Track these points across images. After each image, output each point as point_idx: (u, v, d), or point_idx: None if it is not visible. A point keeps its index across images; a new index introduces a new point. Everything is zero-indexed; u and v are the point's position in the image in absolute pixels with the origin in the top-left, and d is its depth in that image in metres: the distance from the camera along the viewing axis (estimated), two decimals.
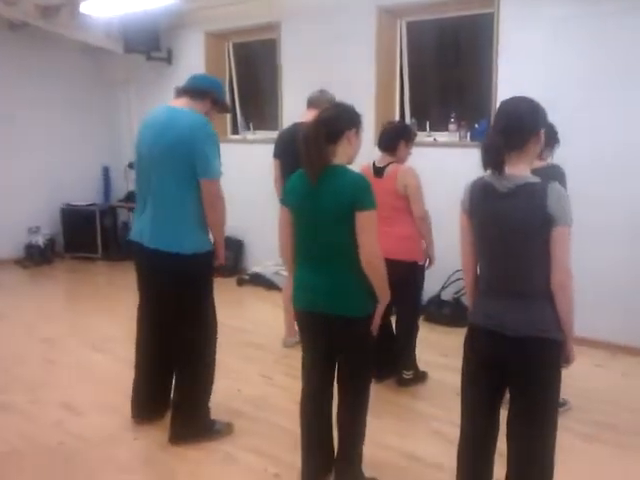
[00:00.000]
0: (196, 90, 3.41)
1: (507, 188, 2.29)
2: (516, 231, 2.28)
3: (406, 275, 3.99)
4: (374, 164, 4.12)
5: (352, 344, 2.81)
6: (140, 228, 3.40)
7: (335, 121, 2.74)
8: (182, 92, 3.43)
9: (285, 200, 2.88)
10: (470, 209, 2.44)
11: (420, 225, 4.06)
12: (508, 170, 2.30)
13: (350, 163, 2.80)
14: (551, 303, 2.30)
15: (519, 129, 2.32)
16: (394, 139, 4.09)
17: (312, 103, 4.55)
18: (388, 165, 4.06)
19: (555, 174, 3.23)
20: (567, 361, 2.41)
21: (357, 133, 2.80)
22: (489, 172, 2.36)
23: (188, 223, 3.31)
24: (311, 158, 2.66)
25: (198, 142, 3.22)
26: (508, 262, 2.34)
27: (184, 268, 3.31)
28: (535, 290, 2.31)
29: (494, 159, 2.30)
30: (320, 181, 2.67)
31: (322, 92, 4.63)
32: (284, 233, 2.93)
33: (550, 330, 2.30)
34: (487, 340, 2.40)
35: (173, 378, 3.57)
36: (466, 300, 2.66)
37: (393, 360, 4.23)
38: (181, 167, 3.23)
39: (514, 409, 2.41)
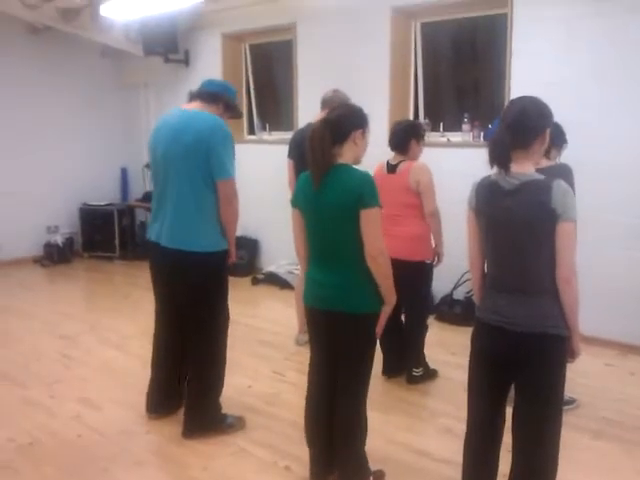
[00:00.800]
0: (209, 94, 3.47)
1: (512, 185, 2.34)
2: (521, 227, 2.33)
3: (414, 275, 4.05)
4: (387, 162, 4.18)
5: (354, 341, 2.83)
6: (157, 228, 3.47)
7: (341, 121, 2.77)
8: (195, 96, 3.50)
9: (294, 201, 2.93)
10: (476, 207, 2.48)
11: (430, 221, 4.10)
12: (513, 168, 2.35)
13: (357, 163, 2.83)
14: (556, 299, 2.34)
15: (525, 128, 2.36)
16: (404, 138, 4.13)
17: (325, 103, 4.59)
18: (401, 162, 4.11)
19: (562, 172, 3.26)
20: (572, 356, 2.44)
21: (364, 134, 2.83)
22: (495, 170, 2.40)
23: (205, 222, 3.38)
24: (316, 158, 2.70)
25: (216, 143, 3.28)
26: (514, 258, 2.38)
27: (201, 267, 3.38)
28: (540, 286, 2.35)
29: (500, 156, 2.35)
30: (325, 180, 2.71)
31: (335, 92, 4.65)
32: (297, 234, 2.98)
33: (555, 326, 2.33)
34: (493, 335, 2.44)
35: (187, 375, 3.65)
36: (474, 298, 2.70)
37: (401, 357, 4.28)
38: (198, 168, 3.29)
39: (519, 402, 2.46)
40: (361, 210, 2.65)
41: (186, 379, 3.64)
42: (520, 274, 2.38)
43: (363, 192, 2.65)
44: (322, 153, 2.69)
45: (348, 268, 2.77)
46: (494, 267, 2.50)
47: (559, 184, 2.29)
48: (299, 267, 3.35)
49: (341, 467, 2.96)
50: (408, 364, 4.25)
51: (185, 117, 3.38)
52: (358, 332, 2.83)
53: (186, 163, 3.29)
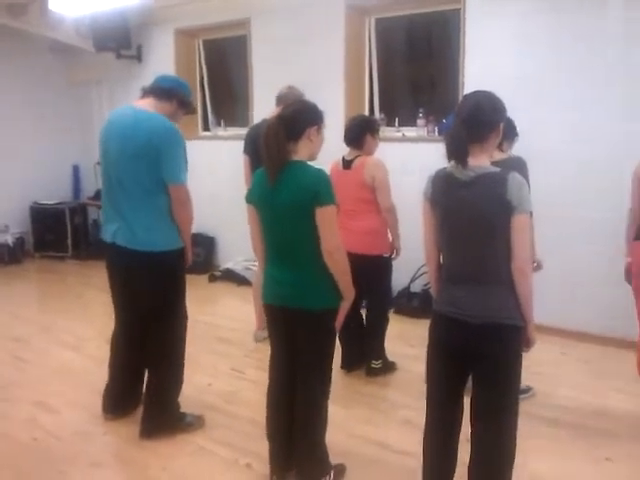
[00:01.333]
0: (163, 90, 3.42)
1: (468, 177, 2.37)
2: (477, 219, 2.35)
3: (372, 268, 4.07)
4: (343, 158, 4.19)
5: (313, 337, 2.85)
6: (113, 229, 3.41)
7: (296, 118, 2.76)
8: (148, 92, 3.44)
9: (249, 198, 2.92)
10: (432, 198, 2.50)
11: (387, 217, 4.13)
12: (469, 161, 2.37)
13: (312, 160, 2.83)
14: (511, 290, 2.37)
15: (480, 123, 2.39)
16: (359, 133, 4.15)
17: (280, 99, 4.57)
18: (356, 158, 4.13)
19: (517, 165, 3.32)
20: (527, 345, 2.49)
21: (318, 130, 2.83)
22: (452, 163, 2.43)
23: (159, 222, 3.34)
24: (270, 155, 2.69)
25: (167, 148, 3.24)
26: (470, 250, 2.42)
27: (158, 265, 3.34)
28: (496, 277, 2.38)
29: (458, 150, 2.37)
30: (280, 177, 2.70)
31: (290, 89, 4.64)
32: (253, 231, 2.97)
33: (510, 317, 2.38)
34: (450, 327, 2.47)
35: (145, 375, 3.60)
36: (432, 290, 2.73)
37: (361, 351, 4.30)
38: (148, 169, 3.24)
39: (477, 392, 2.49)
40: (317, 208, 2.65)
41: (144, 378, 3.61)
42: (476, 265, 2.41)
43: (319, 190, 2.65)
44: (277, 150, 2.69)
45: (305, 265, 2.78)
46: (450, 259, 2.53)
47: (514, 176, 2.33)
48: (257, 263, 3.33)
49: (300, 461, 2.96)
50: (368, 357, 4.28)
51: (138, 118, 3.30)
52: (317, 328, 2.83)
53: (138, 163, 3.24)
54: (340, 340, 3.95)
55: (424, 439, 2.67)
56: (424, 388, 2.65)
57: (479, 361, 2.44)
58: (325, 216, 2.67)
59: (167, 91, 3.42)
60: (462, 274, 2.45)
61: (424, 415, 2.67)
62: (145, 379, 3.60)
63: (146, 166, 3.23)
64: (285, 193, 2.70)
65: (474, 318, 2.38)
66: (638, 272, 3.34)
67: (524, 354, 2.50)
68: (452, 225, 2.45)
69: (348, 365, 4.31)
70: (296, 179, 2.69)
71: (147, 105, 3.37)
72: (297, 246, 2.77)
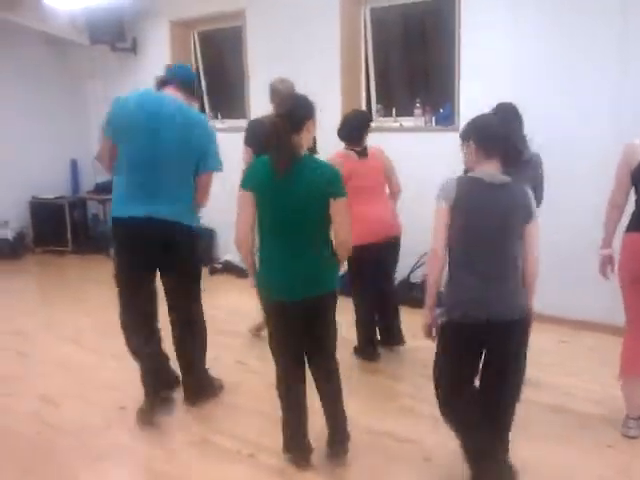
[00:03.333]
0: (184, 81, 3.54)
1: (500, 181, 2.56)
2: (508, 220, 2.56)
3: (398, 250, 4.35)
4: (353, 149, 4.24)
5: (331, 316, 3.04)
6: (143, 204, 3.39)
7: (296, 113, 2.88)
8: (168, 82, 3.52)
9: (248, 184, 2.93)
10: (457, 200, 2.58)
11: (396, 200, 4.38)
12: (487, 169, 2.59)
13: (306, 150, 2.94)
14: (523, 285, 2.63)
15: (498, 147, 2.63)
16: (364, 132, 4.28)
17: (274, 94, 4.51)
18: (366, 147, 4.27)
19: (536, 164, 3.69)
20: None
21: (314, 122, 2.95)
22: (478, 171, 2.62)
23: (192, 199, 3.55)
24: (281, 151, 2.80)
25: (207, 140, 3.49)
26: (498, 249, 2.58)
27: (193, 238, 3.60)
28: (515, 275, 2.61)
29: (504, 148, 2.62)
30: (291, 170, 2.80)
31: (283, 82, 4.51)
32: (246, 215, 2.94)
33: (527, 311, 2.61)
34: (472, 325, 2.59)
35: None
36: (429, 286, 2.73)
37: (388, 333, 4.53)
38: (187, 156, 3.43)
39: (491, 376, 2.71)
40: (332, 201, 2.81)
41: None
42: (502, 264, 2.60)
43: (333, 184, 2.82)
44: (287, 146, 2.80)
45: (316, 254, 2.91)
46: (475, 258, 2.61)
47: (527, 188, 2.63)
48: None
49: (338, 450, 3.14)
50: (397, 337, 4.50)
51: (176, 105, 3.43)
52: (333, 308, 3.03)
53: (177, 149, 3.39)
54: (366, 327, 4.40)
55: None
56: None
57: (499, 353, 2.65)
58: (341, 207, 2.83)
59: (188, 81, 3.58)
60: (490, 273, 2.58)
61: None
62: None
63: (185, 152, 3.41)
64: (300, 185, 2.81)
65: (504, 315, 2.55)
66: (626, 264, 3.30)
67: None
68: (483, 225, 2.58)
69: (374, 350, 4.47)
70: (310, 173, 2.82)
71: (173, 94, 3.47)
72: (311, 236, 2.90)
